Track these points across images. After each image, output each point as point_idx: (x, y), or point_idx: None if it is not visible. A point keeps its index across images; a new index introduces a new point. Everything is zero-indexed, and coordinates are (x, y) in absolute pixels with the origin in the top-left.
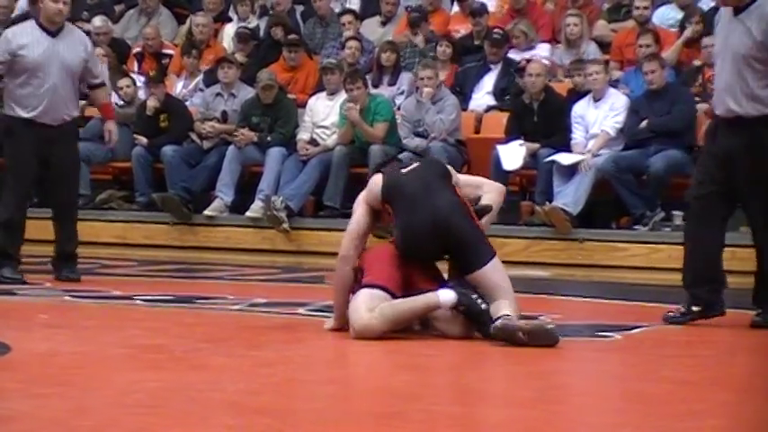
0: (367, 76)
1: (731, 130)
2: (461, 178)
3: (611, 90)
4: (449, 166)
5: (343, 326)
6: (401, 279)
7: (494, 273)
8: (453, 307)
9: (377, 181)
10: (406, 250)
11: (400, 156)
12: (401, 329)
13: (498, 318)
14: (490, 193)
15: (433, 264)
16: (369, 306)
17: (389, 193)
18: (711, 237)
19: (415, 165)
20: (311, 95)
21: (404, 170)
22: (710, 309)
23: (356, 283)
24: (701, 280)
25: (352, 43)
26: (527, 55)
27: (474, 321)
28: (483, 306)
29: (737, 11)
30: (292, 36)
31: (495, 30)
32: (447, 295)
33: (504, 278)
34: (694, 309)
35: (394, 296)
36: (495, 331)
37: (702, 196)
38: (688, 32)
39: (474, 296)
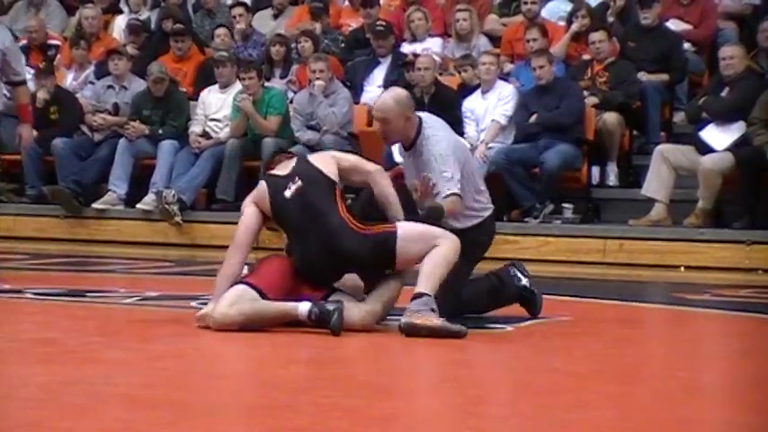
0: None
1: None
2: (346, 165)
3: (499, 81)
4: (332, 155)
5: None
6: (286, 288)
7: (404, 264)
8: (307, 317)
9: (262, 194)
10: (308, 276)
11: (292, 149)
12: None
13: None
14: (381, 181)
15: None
16: (233, 301)
17: (277, 218)
18: None
19: (297, 184)
20: (203, 88)
21: (287, 193)
22: None
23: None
24: None
25: (221, 31)
26: (417, 48)
27: (321, 325)
28: (330, 307)
29: None
30: (178, 26)
31: (379, 22)
32: (303, 307)
33: (418, 252)
34: None
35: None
36: (401, 327)
37: None
38: (575, 27)
39: (328, 305)
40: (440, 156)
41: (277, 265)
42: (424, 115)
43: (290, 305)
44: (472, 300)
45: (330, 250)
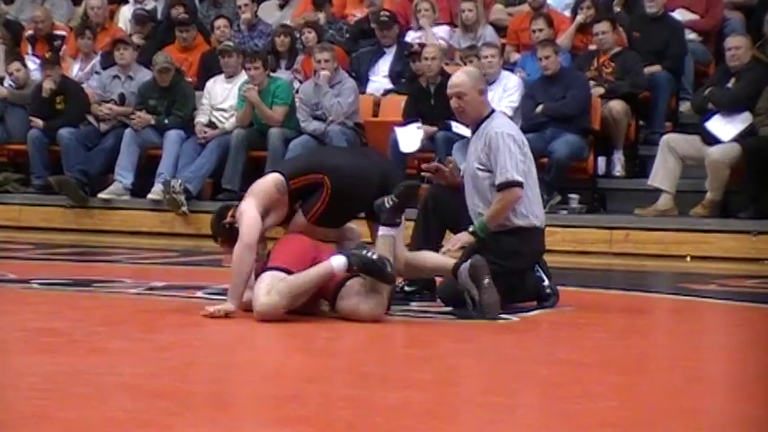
0: None
1: None
2: None
3: (504, 72)
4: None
5: (236, 310)
6: (308, 263)
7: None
8: (347, 270)
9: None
10: (344, 190)
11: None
12: (306, 311)
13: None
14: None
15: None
16: (267, 289)
17: (318, 160)
18: None
19: None
20: (208, 78)
21: None
22: None
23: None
24: None
25: (220, 21)
26: (423, 37)
27: (373, 275)
28: (374, 257)
29: None
30: (182, 15)
31: (383, 12)
32: (338, 260)
33: None
34: None
35: None
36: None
37: None
38: (580, 18)
39: (364, 252)
40: (506, 145)
41: (293, 243)
42: (499, 113)
43: (322, 266)
44: None
45: (385, 173)
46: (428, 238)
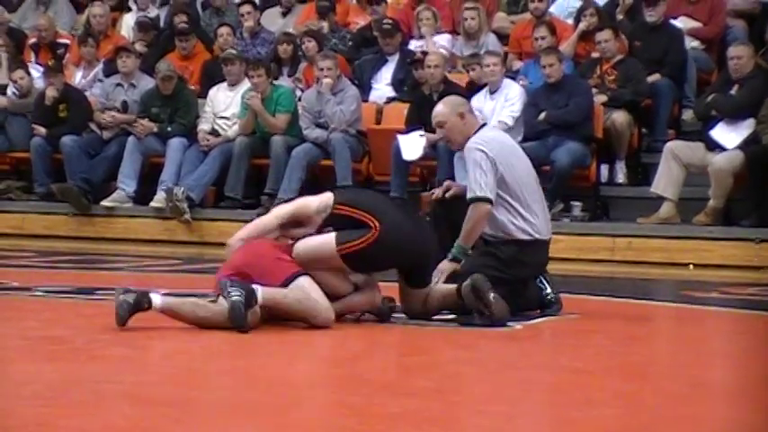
0: None
1: None
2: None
3: (506, 81)
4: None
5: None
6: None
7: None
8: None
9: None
10: (389, 246)
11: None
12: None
13: None
14: None
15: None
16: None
17: (382, 207)
18: None
19: None
20: (210, 86)
21: None
22: None
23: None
24: None
25: (223, 30)
26: (425, 45)
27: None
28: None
29: None
30: (182, 25)
31: (386, 20)
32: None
33: None
34: None
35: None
36: None
37: None
38: (583, 26)
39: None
40: (474, 161)
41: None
42: (489, 127)
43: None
44: None
45: (425, 239)
46: (441, 245)
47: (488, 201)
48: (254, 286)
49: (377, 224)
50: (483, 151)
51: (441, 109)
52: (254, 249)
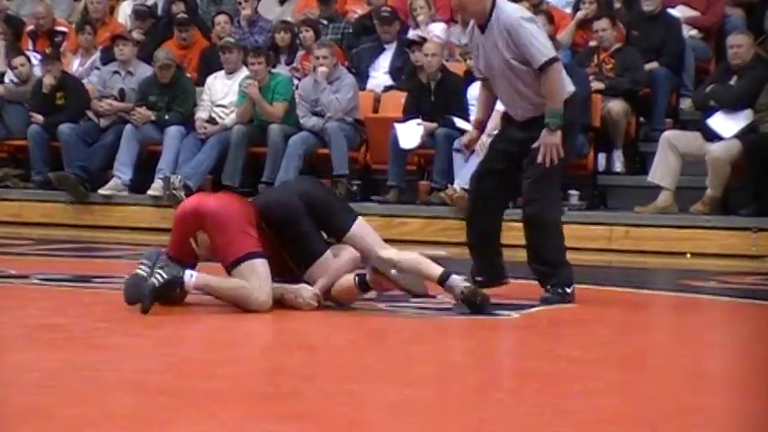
0: None
1: None
2: None
3: None
4: None
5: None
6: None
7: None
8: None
9: None
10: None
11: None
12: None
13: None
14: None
15: None
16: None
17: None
18: None
19: None
20: (207, 74)
21: None
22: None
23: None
24: None
25: (221, 18)
26: (422, 33)
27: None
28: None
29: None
30: (182, 15)
31: (385, 8)
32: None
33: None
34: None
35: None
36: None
37: None
38: (581, 14)
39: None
40: (526, 31)
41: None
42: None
43: None
44: None
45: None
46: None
47: (557, 59)
48: (186, 273)
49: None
50: (526, 18)
51: None
52: (228, 209)
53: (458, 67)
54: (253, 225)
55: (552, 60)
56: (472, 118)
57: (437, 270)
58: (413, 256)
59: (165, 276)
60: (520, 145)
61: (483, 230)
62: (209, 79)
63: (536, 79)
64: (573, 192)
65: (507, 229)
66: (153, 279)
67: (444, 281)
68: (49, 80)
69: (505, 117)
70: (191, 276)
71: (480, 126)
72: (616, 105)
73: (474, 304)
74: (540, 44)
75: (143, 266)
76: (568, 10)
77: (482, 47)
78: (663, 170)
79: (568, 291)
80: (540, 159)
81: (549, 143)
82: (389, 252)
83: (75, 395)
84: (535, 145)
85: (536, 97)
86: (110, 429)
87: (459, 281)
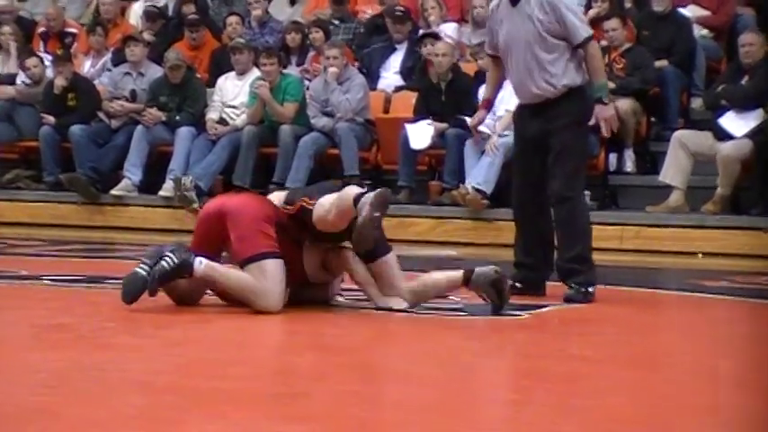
0: None
1: None
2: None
3: None
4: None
5: None
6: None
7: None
8: None
9: None
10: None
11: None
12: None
13: None
14: None
15: None
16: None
17: None
18: None
19: None
20: (218, 75)
21: None
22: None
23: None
24: None
25: (232, 19)
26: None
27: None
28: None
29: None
30: (192, 16)
31: (398, 7)
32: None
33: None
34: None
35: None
36: None
37: None
38: (592, 13)
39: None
40: (565, 6)
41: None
42: None
43: None
44: None
45: None
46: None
47: (593, 36)
48: (195, 260)
49: None
50: None
51: None
52: (246, 206)
53: (469, 68)
54: (272, 224)
55: (591, 37)
56: None
57: (458, 273)
58: (430, 278)
59: (176, 260)
60: (537, 140)
61: (538, 234)
62: (220, 80)
63: (561, 54)
64: (584, 192)
65: (507, 228)
66: (163, 262)
67: (470, 275)
68: (60, 81)
69: (517, 112)
70: (200, 263)
71: (488, 105)
72: (624, 104)
73: (502, 291)
74: (581, 21)
75: (143, 266)
76: (580, 9)
77: (506, 21)
78: (674, 170)
79: (591, 290)
80: (605, 133)
81: (606, 117)
82: (411, 284)
83: (84, 395)
84: (592, 122)
85: (554, 69)
86: (117, 429)
87: (483, 267)
